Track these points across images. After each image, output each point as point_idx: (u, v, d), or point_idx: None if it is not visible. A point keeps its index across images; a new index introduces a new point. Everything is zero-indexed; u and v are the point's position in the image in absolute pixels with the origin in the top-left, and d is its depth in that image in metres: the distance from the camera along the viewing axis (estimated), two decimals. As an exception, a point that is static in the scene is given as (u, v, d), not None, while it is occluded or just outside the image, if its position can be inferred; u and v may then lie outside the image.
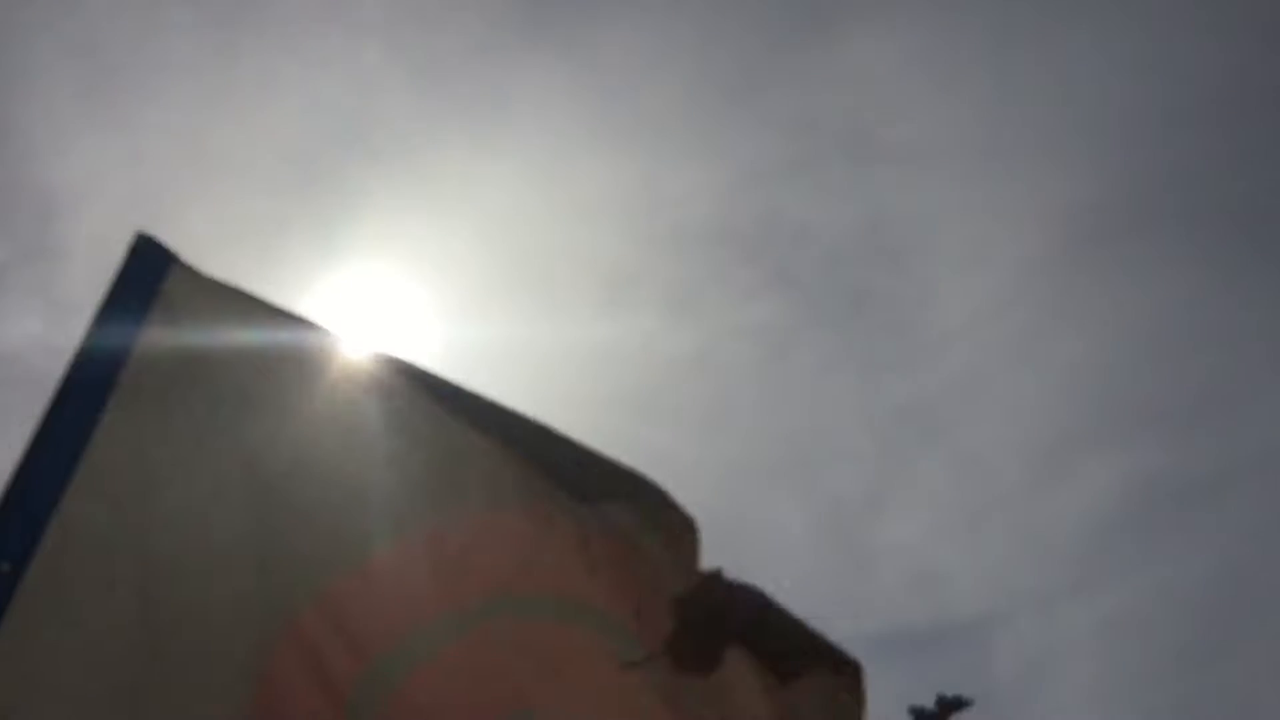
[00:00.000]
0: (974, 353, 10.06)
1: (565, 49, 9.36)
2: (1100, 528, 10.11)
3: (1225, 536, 10.12)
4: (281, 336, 2.35)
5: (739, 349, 10.09)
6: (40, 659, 2.02)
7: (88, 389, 2.16)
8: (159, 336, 2.24)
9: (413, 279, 8.70)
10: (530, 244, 9.53)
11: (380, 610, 2.21)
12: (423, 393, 2.37)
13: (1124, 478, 10.12)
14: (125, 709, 2.07)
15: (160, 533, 2.16)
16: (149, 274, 2.27)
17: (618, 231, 9.71)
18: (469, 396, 2.41)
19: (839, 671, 2.40)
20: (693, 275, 9.90)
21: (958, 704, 2.49)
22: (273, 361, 2.33)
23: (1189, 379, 10.20)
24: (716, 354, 9.99)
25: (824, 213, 9.87)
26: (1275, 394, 9.97)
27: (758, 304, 9.96)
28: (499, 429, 2.38)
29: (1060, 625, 10.17)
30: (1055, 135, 9.60)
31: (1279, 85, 9.42)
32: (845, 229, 9.93)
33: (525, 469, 2.37)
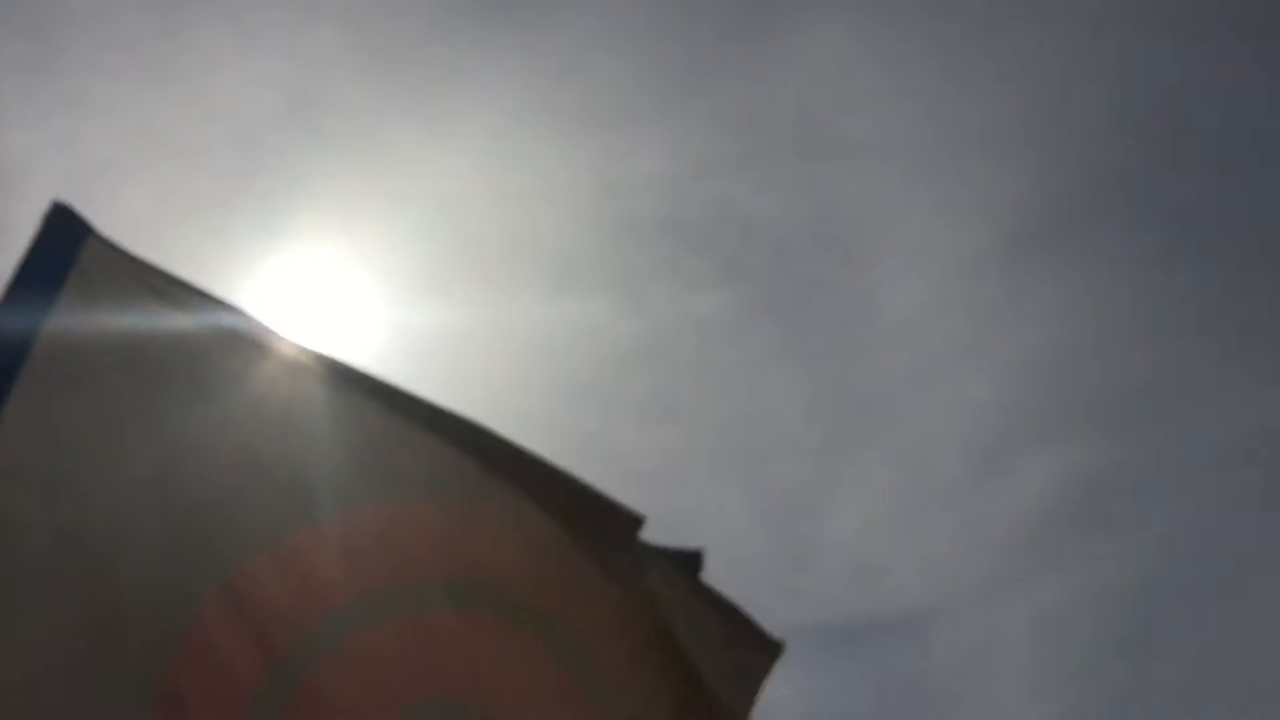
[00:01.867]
0: (919, 347, 10.15)
1: (519, 35, 9.33)
2: (1040, 522, 10.24)
3: (1163, 533, 10.27)
4: (198, 317, 2.32)
5: (686, 339, 10.11)
6: None
7: (-2, 360, 2.13)
8: (74, 310, 2.21)
9: (360, 263, 8.65)
10: (479, 229, 9.50)
11: (290, 594, 2.20)
12: (340, 379, 2.34)
13: (1064, 473, 10.26)
14: (35, 686, 2.05)
15: (70, 510, 2.13)
16: (65, 245, 2.24)
17: (567, 219, 9.70)
18: (388, 387, 2.39)
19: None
20: (641, 264, 9.91)
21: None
22: (188, 341, 2.30)
23: (1130, 377, 10.34)
24: (663, 343, 10.01)
25: (773, 205, 9.91)
26: (1214, 393, 10.13)
27: (705, 294, 9.98)
28: (425, 419, 2.36)
29: (998, 619, 10.29)
30: (1003, 131, 9.69)
31: (1223, 85, 9.55)
32: (794, 222, 9.98)
33: (455, 458, 2.35)
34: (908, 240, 9.93)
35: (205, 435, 2.28)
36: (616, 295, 9.71)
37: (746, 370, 10.23)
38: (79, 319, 2.21)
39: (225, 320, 2.33)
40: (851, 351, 10.19)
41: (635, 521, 2.35)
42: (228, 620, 2.16)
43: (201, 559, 2.17)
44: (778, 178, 9.80)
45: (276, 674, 2.14)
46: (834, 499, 10.36)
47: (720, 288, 10.02)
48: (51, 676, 2.06)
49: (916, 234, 9.92)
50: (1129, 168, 9.82)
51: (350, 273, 8.52)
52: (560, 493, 2.36)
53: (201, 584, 2.16)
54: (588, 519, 2.35)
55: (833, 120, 9.64)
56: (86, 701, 2.06)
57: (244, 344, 2.33)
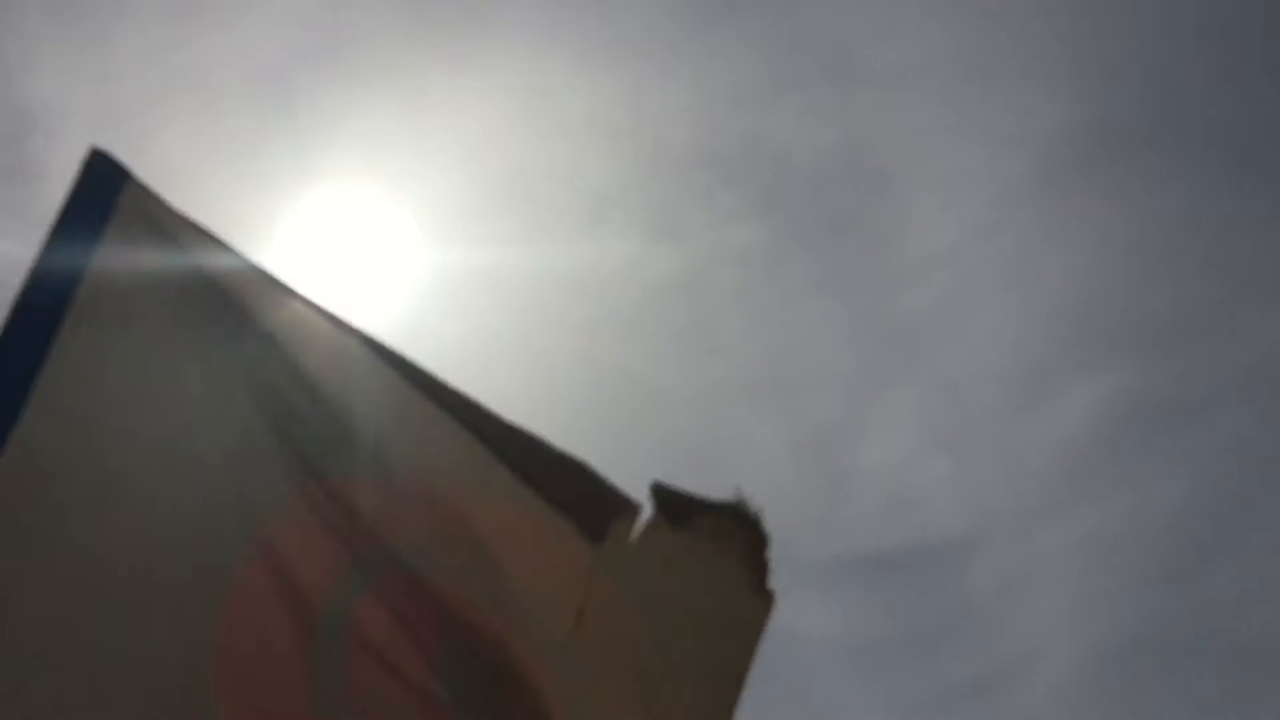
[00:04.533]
0: (956, 276, 10.08)
1: (546, -34, 9.22)
2: (1078, 449, 10.21)
3: (1201, 457, 10.23)
4: (230, 264, 2.34)
5: (721, 272, 10.08)
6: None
7: (43, 308, 2.15)
8: (114, 255, 2.22)
9: (391, 201, 8.64)
10: (511, 165, 9.47)
11: (326, 540, 2.22)
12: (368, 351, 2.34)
13: (1103, 400, 10.20)
14: (85, 632, 2.08)
15: (115, 455, 2.16)
16: (104, 192, 2.25)
17: (600, 152, 9.64)
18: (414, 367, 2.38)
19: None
20: (675, 197, 9.86)
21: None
22: (224, 286, 2.31)
23: (1169, 301, 10.24)
24: (699, 276, 9.99)
25: (807, 135, 9.81)
26: (1253, 316, 10.02)
27: (740, 226, 9.93)
28: (443, 401, 2.35)
29: (1038, 546, 10.31)
30: (1039, 56, 9.52)
31: (1267, 4, 9.32)
32: (828, 151, 9.88)
33: (469, 448, 2.32)
34: (944, 168, 9.83)
35: (247, 378, 2.30)
36: (651, 229, 9.69)
37: (783, 302, 10.21)
38: (120, 264, 2.22)
39: (249, 270, 2.34)
40: (888, 281, 10.13)
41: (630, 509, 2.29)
42: (278, 554, 2.19)
43: (248, 496, 2.19)
44: (812, 107, 9.70)
45: (331, 606, 2.18)
46: (871, 429, 10.36)
47: (755, 219, 9.97)
48: (105, 612, 2.08)
49: (952, 162, 9.82)
50: (1167, 93, 9.65)
51: (382, 211, 8.51)
52: (557, 476, 2.32)
53: (250, 520, 2.19)
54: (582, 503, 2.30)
55: (866, 47, 9.52)
56: (144, 639, 2.09)
57: (271, 294, 2.35)
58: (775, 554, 2.37)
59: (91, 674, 2.04)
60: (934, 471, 10.43)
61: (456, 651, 2.21)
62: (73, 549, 2.08)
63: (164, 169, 2.39)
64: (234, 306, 2.32)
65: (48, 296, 2.16)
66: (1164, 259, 10.26)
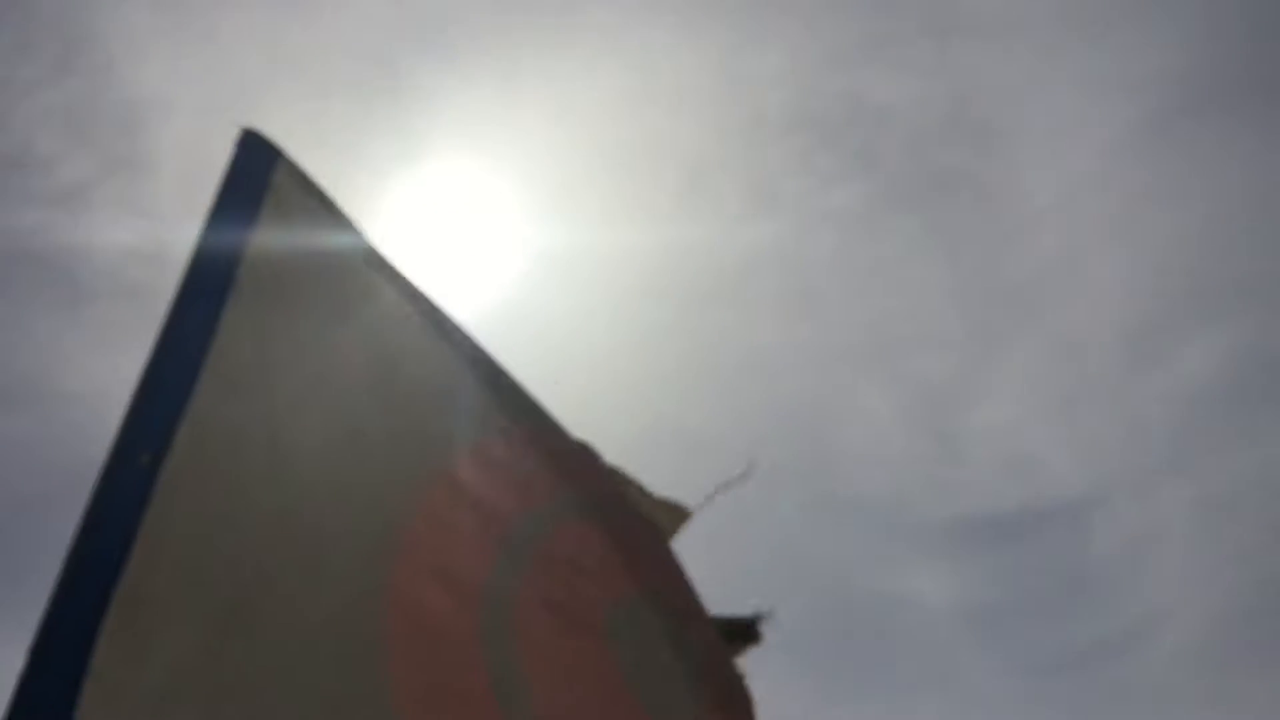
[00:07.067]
0: (1064, 231, 9.86)
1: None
2: (1199, 405, 9.95)
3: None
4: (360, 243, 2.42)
5: (823, 236, 9.98)
6: (183, 550, 2.07)
7: (208, 283, 2.19)
8: (272, 229, 2.26)
9: (493, 176, 8.69)
10: (609, 136, 9.46)
11: (487, 500, 2.26)
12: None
13: (1222, 353, 9.93)
14: (264, 598, 2.12)
15: (286, 423, 2.20)
16: (257, 169, 2.28)
17: (697, 120, 9.59)
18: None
19: None
20: (774, 162, 9.77)
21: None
22: (374, 257, 2.36)
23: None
24: (801, 241, 9.89)
25: (906, 92, 9.65)
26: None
27: (841, 189, 9.81)
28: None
29: (1160, 505, 10.08)
30: (1144, 1, 9.23)
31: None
32: (929, 108, 9.71)
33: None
34: (1049, 119, 9.61)
35: (399, 345, 2.34)
36: (751, 195, 9.61)
37: (887, 264, 10.08)
38: (278, 240, 2.25)
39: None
40: (995, 238, 9.95)
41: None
42: (442, 525, 2.22)
43: (413, 461, 2.23)
44: (909, 62, 9.54)
45: (498, 573, 2.22)
46: (983, 390, 10.20)
47: (855, 181, 9.84)
48: (276, 582, 2.13)
49: (1058, 112, 9.59)
50: (1273, 34, 9.30)
51: (484, 186, 8.57)
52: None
53: (415, 485, 2.23)
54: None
55: (965, -1, 9.30)
56: (320, 599, 2.13)
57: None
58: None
59: (274, 643, 2.09)
60: (1050, 432, 10.26)
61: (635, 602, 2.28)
62: (251, 521, 2.13)
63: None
64: (381, 281, 2.36)
65: (211, 276, 2.20)
66: (1278, 206, 9.92)
